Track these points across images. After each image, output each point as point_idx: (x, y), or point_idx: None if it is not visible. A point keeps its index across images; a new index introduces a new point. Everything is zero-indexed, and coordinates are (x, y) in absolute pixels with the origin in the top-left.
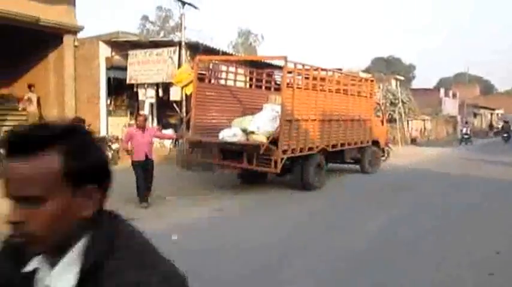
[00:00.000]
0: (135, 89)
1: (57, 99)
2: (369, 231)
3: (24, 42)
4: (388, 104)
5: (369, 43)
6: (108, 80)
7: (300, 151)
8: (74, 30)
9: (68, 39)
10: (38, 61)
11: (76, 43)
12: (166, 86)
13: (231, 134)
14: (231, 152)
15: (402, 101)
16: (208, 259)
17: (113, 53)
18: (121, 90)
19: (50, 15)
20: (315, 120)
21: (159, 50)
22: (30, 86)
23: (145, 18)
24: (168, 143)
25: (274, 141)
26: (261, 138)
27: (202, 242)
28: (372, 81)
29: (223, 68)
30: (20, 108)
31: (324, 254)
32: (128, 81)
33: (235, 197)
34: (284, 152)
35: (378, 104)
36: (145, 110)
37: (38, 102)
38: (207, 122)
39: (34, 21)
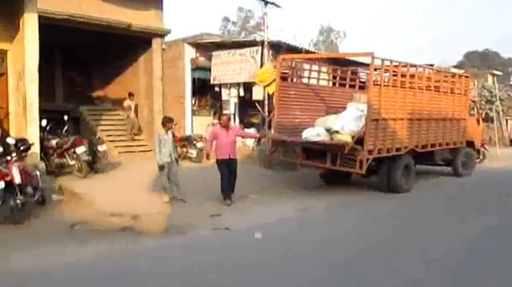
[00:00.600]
0: (216, 89)
1: (146, 100)
2: (465, 240)
3: (117, 47)
4: (483, 102)
5: (461, 36)
6: (193, 80)
7: (387, 152)
8: (161, 34)
9: (156, 42)
10: (129, 64)
11: (163, 46)
12: (248, 86)
13: (314, 134)
14: (314, 151)
15: (500, 99)
16: (293, 259)
17: (197, 55)
18: (205, 91)
19: (140, 20)
20: (403, 119)
21: (242, 50)
22: (130, 95)
23: (226, 19)
24: (250, 142)
25: (359, 141)
26: (345, 137)
27: (286, 242)
28: (466, 77)
29: (306, 66)
30: (125, 116)
31: (411, 261)
32: (211, 82)
33: (318, 197)
34: (370, 152)
35: (473, 101)
36: (231, 110)
37: (136, 109)
38: (289, 121)
39: (126, 27)
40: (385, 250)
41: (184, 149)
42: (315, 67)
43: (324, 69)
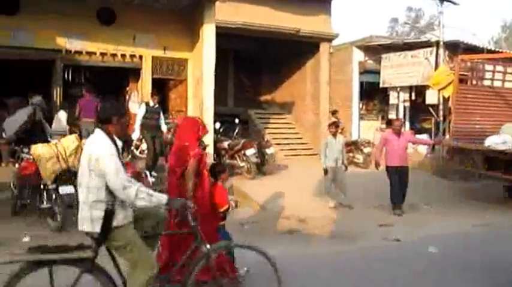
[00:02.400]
0: (388, 92)
1: (313, 104)
2: None
3: (285, 52)
4: None
5: None
6: (361, 84)
7: None
8: (329, 38)
9: (324, 47)
10: (296, 69)
11: (331, 50)
12: (420, 89)
13: (500, 141)
14: (498, 161)
15: None
16: (473, 280)
17: (366, 58)
18: (372, 94)
19: (309, 25)
20: None
21: (414, 52)
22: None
23: (394, 20)
24: (423, 149)
25: None
26: None
27: (464, 259)
28: None
29: (488, 67)
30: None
31: None
32: (381, 85)
33: (502, 213)
34: None
35: None
36: (399, 114)
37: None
38: (469, 128)
39: (295, 32)
40: None
41: (351, 154)
42: (500, 68)
43: (510, 69)
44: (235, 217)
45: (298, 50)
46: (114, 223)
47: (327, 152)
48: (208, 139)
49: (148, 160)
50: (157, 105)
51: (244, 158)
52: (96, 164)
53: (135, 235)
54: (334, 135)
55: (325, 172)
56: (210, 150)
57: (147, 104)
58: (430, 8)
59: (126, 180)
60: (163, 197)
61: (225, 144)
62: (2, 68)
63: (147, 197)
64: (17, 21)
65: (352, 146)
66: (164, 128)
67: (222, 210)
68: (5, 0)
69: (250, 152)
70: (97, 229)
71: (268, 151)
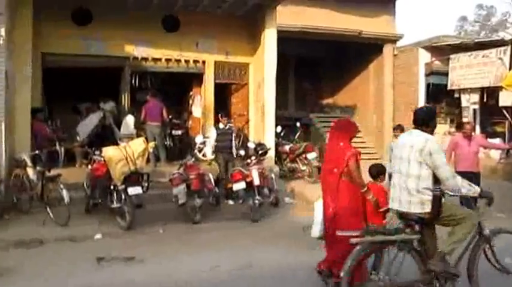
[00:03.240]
0: (456, 95)
1: (376, 107)
2: None
3: (347, 55)
4: None
5: None
6: (427, 86)
7: None
8: (393, 39)
9: (387, 48)
10: (358, 71)
11: (395, 52)
12: (493, 90)
13: None
14: None
15: None
16: None
17: (433, 59)
18: (440, 97)
19: (371, 27)
20: None
21: (486, 51)
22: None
23: (463, 19)
24: (495, 154)
25: None
26: None
27: None
28: None
29: None
30: None
31: None
32: (449, 87)
33: None
34: None
35: None
36: (469, 117)
37: None
38: None
39: (357, 34)
40: None
41: None
42: None
43: None
44: (297, 221)
45: (360, 52)
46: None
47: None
48: (270, 143)
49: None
50: (228, 127)
51: (306, 162)
52: (429, 157)
53: (452, 204)
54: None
55: (390, 176)
56: (271, 153)
57: (216, 127)
58: (503, 5)
59: (452, 171)
60: (477, 188)
61: (286, 147)
62: (75, 76)
63: (467, 186)
64: (89, 31)
65: None
66: (234, 150)
67: (381, 210)
68: (78, 12)
69: (312, 155)
70: (427, 209)
71: None
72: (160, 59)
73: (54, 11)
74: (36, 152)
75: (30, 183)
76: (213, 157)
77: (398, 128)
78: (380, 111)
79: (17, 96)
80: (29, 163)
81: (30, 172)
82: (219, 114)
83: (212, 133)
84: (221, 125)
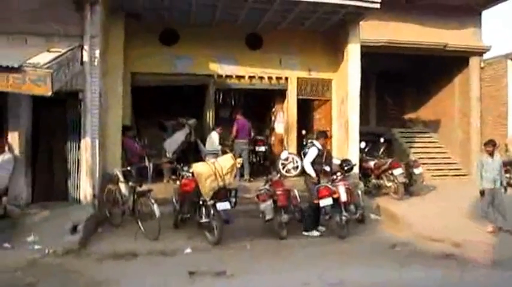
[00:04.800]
0: None
1: (461, 121)
2: None
3: (430, 68)
4: None
5: None
6: None
7: None
8: (480, 52)
9: (473, 61)
10: (442, 85)
11: (482, 64)
12: None
13: None
14: None
15: None
16: None
17: None
18: None
19: (457, 40)
20: None
21: None
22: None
23: None
24: None
25: None
26: None
27: None
28: None
29: None
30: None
31: None
32: None
33: None
34: None
35: None
36: None
37: None
38: None
39: (442, 47)
40: None
41: (507, 175)
42: None
43: None
44: (384, 238)
45: (444, 65)
46: None
47: (483, 173)
48: (354, 159)
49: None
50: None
51: (392, 178)
52: None
53: None
54: (491, 154)
55: (482, 193)
56: (355, 169)
57: (317, 147)
58: None
59: None
60: None
61: (371, 163)
62: (163, 94)
63: None
64: (176, 50)
65: (509, 166)
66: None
67: None
68: (166, 33)
69: (398, 171)
70: None
71: (416, 170)
72: (243, 76)
73: (143, 32)
74: (128, 168)
75: (122, 198)
76: (295, 173)
77: (490, 143)
78: (466, 126)
79: (109, 114)
80: (121, 179)
81: (122, 187)
82: (302, 131)
83: (312, 151)
84: (319, 146)
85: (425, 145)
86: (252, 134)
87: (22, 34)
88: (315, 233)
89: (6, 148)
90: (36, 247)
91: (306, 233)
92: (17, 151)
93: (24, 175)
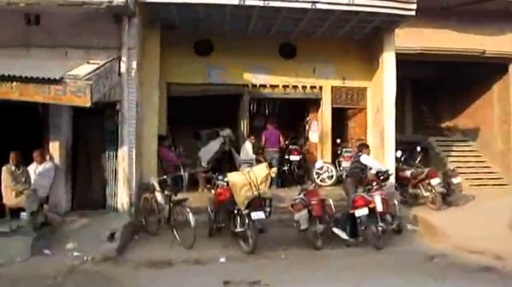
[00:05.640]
0: None
1: (501, 129)
2: None
3: (467, 75)
4: None
5: None
6: None
7: None
8: None
9: None
10: (480, 93)
11: None
12: None
13: None
14: None
15: None
16: None
17: None
18: None
19: (496, 46)
20: None
21: None
22: None
23: None
24: None
25: None
26: None
27: None
28: None
29: None
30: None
31: None
32: None
33: None
34: None
35: None
36: None
37: None
38: None
39: (480, 54)
40: None
41: None
42: None
43: None
44: (422, 249)
45: (483, 72)
46: None
47: None
48: (390, 168)
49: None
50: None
51: (429, 188)
52: None
53: None
54: None
55: None
56: (392, 179)
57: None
58: None
59: None
60: None
61: (408, 173)
62: (197, 103)
63: None
64: (210, 60)
65: None
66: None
67: None
68: (200, 43)
69: (436, 181)
70: None
71: (455, 180)
72: (277, 86)
73: (178, 43)
74: (164, 177)
75: (158, 206)
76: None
77: None
78: (506, 134)
79: (145, 124)
80: (157, 187)
81: (158, 196)
82: (337, 140)
83: (368, 160)
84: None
85: (463, 154)
86: (282, 142)
87: (63, 47)
88: (344, 235)
89: (48, 157)
90: (75, 253)
91: (335, 230)
92: (57, 160)
93: (64, 184)
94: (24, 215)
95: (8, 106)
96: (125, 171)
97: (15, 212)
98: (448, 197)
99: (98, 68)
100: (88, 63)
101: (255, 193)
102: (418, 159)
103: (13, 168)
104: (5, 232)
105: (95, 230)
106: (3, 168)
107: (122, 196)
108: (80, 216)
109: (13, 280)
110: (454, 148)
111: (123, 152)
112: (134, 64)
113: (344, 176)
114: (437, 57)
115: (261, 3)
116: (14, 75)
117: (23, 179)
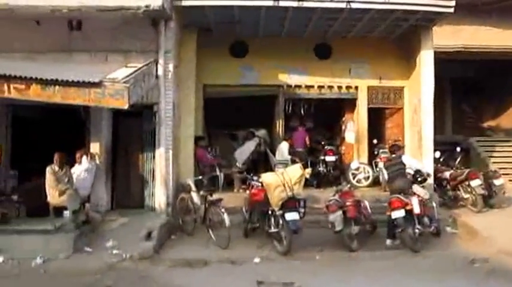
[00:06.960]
0: None
1: None
2: None
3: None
4: None
5: None
6: None
7: None
8: None
9: None
10: None
11: None
12: None
13: None
14: None
15: None
16: None
17: None
18: None
19: None
20: None
21: None
22: None
23: None
24: None
25: None
26: None
27: None
28: None
29: None
30: None
31: None
32: None
33: None
34: None
35: None
36: None
37: None
38: None
39: None
40: None
41: None
42: None
43: None
44: (462, 253)
45: None
46: None
47: None
48: (429, 169)
49: None
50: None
51: (469, 190)
52: None
53: None
54: None
55: None
56: (430, 180)
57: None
58: None
59: None
60: None
61: (447, 174)
62: (233, 104)
63: None
64: (245, 62)
65: None
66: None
67: None
68: (236, 45)
69: (476, 183)
70: None
71: (497, 181)
72: (313, 86)
73: (214, 45)
74: (200, 177)
75: (194, 206)
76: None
77: None
78: None
79: (182, 125)
80: (193, 188)
81: (194, 196)
82: (373, 140)
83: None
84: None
85: (507, 155)
86: (307, 143)
87: (103, 51)
88: (388, 241)
89: (89, 158)
90: (115, 251)
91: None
92: (98, 161)
93: (104, 184)
94: (66, 213)
95: (53, 110)
96: (162, 171)
97: (59, 210)
98: (489, 199)
99: (135, 71)
100: (126, 66)
101: (289, 193)
102: (458, 160)
103: (56, 168)
104: (49, 230)
105: (133, 229)
106: (47, 169)
107: (159, 196)
108: (119, 215)
109: (54, 275)
110: (497, 149)
111: (160, 152)
112: (171, 67)
113: (386, 179)
114: (478, 55)
115: (295, 4)
116: (56, 79)
117: (66, 179)
